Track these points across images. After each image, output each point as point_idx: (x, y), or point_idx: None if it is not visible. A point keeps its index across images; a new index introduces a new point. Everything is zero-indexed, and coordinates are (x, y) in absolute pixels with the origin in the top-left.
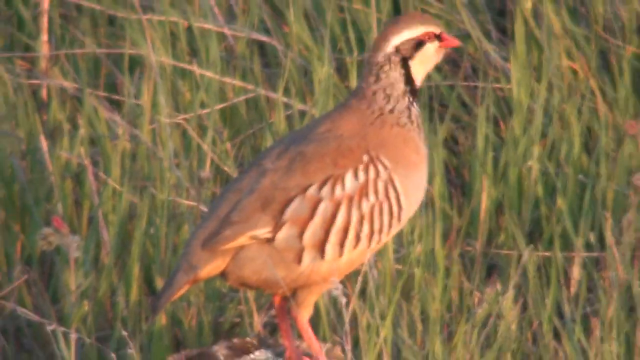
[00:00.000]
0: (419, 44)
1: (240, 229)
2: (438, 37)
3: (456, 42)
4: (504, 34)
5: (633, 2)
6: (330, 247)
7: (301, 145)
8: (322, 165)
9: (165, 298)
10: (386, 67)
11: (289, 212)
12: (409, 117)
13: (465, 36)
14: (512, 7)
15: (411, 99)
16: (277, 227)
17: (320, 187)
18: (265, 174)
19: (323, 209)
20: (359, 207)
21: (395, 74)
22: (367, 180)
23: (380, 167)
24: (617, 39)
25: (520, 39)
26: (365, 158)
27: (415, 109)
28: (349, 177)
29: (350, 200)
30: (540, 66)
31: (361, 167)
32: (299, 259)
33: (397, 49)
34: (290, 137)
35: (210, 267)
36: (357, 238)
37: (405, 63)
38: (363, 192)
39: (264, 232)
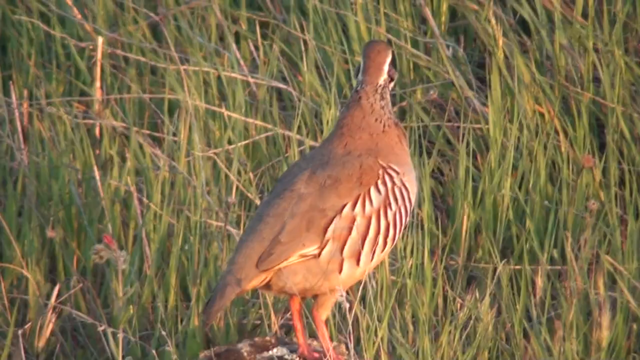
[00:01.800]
0: (393, 65)
1: (290, 249)
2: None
3: None
4: (483, 83)
5: (589, 57)
6: (364, 255)
7: (328, 170)
8: (350, 185)
9: (217, 308)
10: (386, 88)
11: (331, 231)
12: (396, 123)
13: (449, 84)
14: (489, 60)
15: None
16: (322, 244)
17: (354, 206)
18: (303, 198)
19: (358, 224)
20: (385, 216)
21: (388, 94)
22: (386, 191)
23: (393, 174)
24: (577, 87)
25: (495, 87)
26: (380, 172)
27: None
28: (373, 193)
29: (378, 212)
30: (512, 110)
31: (379, 181)
32: (340, 269)
33: (389, 75)
34: (309, 161)
35: (256, 281)
36: (385, 243)
37: (390, 83)
38: (386, 202)
39: (312, 249)
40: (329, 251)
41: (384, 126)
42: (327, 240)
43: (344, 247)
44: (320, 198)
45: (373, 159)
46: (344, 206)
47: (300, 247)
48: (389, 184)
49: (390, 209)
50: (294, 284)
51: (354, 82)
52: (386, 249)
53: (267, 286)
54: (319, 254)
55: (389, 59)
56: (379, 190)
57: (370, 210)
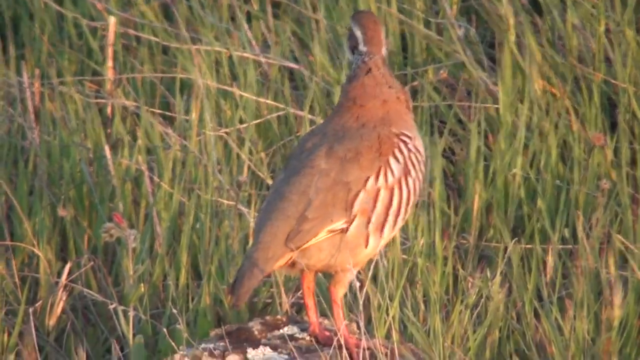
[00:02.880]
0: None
1: (318, 225)
2: None
3: None
4: (494, 63)
5: (601, 37)
6: (388, 227)
7: (346, 143)
8: (371, 156)
9: (247, 289)
10: (384, 60)
11: (357, 205)
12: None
13: (461, 64)
14: (500, 40)
15: None
16: (349, 218)
17: (377, 179)
18: (325, 173)
19: (382, 197)
20: (407, 184)
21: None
22: (404, 159)
23: (406, 139)
24: (588, 67)
25: (507, 67)
26: (396, 140)
27: None
28: (393, 163)
29: (400, 181)
30: (523, 89)
31: (397, 150)
32: (366, 243)
33: (386, 47)
34: (322, 136)
35: (283, 260)
36: (406, 211)
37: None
38: (405, 170)
39: (339, 224)
40: (356, 226)
41: (397, 93)
42: (355, 216)
43: (369, 222)
44: (343, 172)
45: (388, 129)
46: (367, 179)
47: (329, 222)
48: (405, 151)
49: (410, 176)
50: (318, 260)
51: (348, 54)
52: (406, 216)
53: (291, 265)
54: (347, 230)
55: (383, 31)
56: (397, 159)
57: (393, 181)
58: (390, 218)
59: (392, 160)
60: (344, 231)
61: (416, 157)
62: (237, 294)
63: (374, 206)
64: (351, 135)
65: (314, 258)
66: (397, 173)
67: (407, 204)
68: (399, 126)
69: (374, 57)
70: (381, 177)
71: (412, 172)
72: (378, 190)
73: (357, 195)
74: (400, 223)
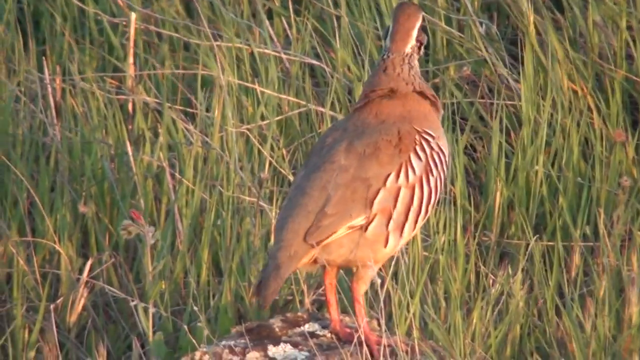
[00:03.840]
0: (424, 29)
1: (337, 221)
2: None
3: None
4: (516, 60)
5: (622, 35)
6: (408, 226)
7: (365, 138)
8: (390, 152)
9: (274, 290)
10: (414, 55)
11: (377, 204)
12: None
13: (482, 61)
14: (522, 37)
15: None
16: (369, 215)
17: (397, 177)
18: (344, 169)
19: (402, 196)
20: (428, 183)
21: (416, 61)
22: (426, 157)
23: (429, 138)
24: (610, 65)
25: (529, 64)
26: (417, 137)
27: None
28: (414, 161)
29: (421, 180)
30: (545, 87)
31: (418, 147)
32: (386, 243)
33: (418, 40)
34: (343, 132)
35: (307, 258)
36: (427, 211)
37: (420, 48)
38: (427, 168)
39: (359, 220)
40: (376, 225)
41: (416, 95)
42: (375, 215)
43: (390, 221)
44: (362, 168)
45: (409, 125)
46: (387, 176)
47: (348, 218)
48: (427, 150)
49: (432, 175)
50: (338, 256)
51: (383, 44)
52: (427, 216)
53: (314, 261)
54: (366, 228)
55: (418, 24)
56: (419, 157)
57: (414, 179)
58: (411, 217)
59: (413, 158)
60: (362, 228)
61: (439, 157)
62: (264, 295)
63: (395, 205)
64: (371, 131)
65: (335, 254)
66: (419, 171)
67: (429, 203)
68: (422, 124)
69: (392, 55)
70: (402, 175)
71: (434, 171)
72: (399, 189)
73: (377, 192)
74: (421, 222)
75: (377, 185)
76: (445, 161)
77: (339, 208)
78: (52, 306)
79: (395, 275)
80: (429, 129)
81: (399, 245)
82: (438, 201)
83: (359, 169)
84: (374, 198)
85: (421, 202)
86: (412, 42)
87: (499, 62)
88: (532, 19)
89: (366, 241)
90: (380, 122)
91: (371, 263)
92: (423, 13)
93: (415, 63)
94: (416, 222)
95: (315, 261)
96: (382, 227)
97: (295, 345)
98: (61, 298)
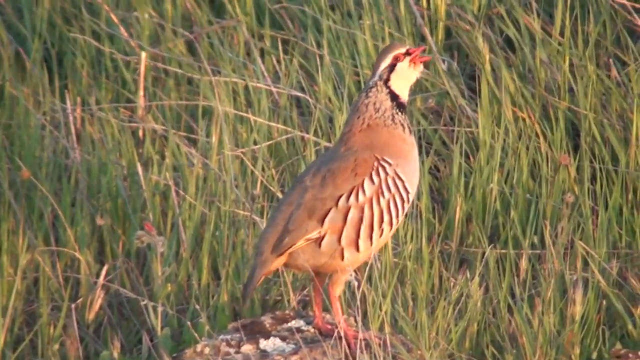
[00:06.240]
0: (391, 67)
1: (297, 235)
2: (407, 54)
3: (420, 48)
4: (474, 92)
5: (566, 71)
6: (362, 242)
7: (329, 164)
8: (346, 177)
9: (251, 289)
10: (374, 89)
11: (327, 221)
12: (393, 120)
13: (445, 94)
14: (479, 73)
15: (397, 111)
16: (320, 230)
17: (348, 197)
18: (307, 190)
19: (351, 215)
20: (378, 204)
21: (382, 94)
22: (380, 181)
23: (385, 165)
24: (555, 97)
25: (485, 96)
26: (375, 164)
27: (400, 117)
28: (367, 184)
29: (371, 201)
30: (499, 116)
31: (373, 172)
32: (341, 256)
33: (380, 76)
34: (320, 159)
35: (277, 263)
36: (381, 228)
37: (386, 85)
38: (379, 191)
39: (314, 234)
40: (328, 242)
41: (372, 123)
42: (326, 232)
43: (341, 237)
44: (321, 189)
45: (369, 153)
46: (339, 197)
47: (304, 232)
48: (382, 175)
49: (383, 197)
50: (304, 261)
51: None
52: (384, 233)
53: (286, 265)
54: (320, 244)
55: (383, 61)
56: (372, 181)
57: (364, 200)
58: (363, 234)
59: (367, 181)
60: (317, 242)
61: (394, 181)
62: (245, 292)
63: (344, 223)
64: (335, 158)
65: (300, 260)
66: (369, 193)
67: (381, 221)
68: (383, 152)
69: (364, 89)
70: (352, 196)
71: (386, 194)
72: (349, 208)
73: (328, 211)
74: (377, 238)
75: (329, 205)
76: (404, 186)
77: (298, 223)
78: (73, 306)
79: (369, 278)
80: (389, 156)
81: (362, 257)
82: (406, 215)
83: (319, 190)
84: (325, 216)
85: (372, 220)
86: (374, 77)
87: (459, 95)
88: (487, 57)
89: (322, 254)
90: (346, 151)
91: (349, 267)
92: (396, 52)
93: (375, 96)
94: (370, 238)
95: (286, 265)
96: (333, 242)
97: (283, 339)
98: (81, 299)
